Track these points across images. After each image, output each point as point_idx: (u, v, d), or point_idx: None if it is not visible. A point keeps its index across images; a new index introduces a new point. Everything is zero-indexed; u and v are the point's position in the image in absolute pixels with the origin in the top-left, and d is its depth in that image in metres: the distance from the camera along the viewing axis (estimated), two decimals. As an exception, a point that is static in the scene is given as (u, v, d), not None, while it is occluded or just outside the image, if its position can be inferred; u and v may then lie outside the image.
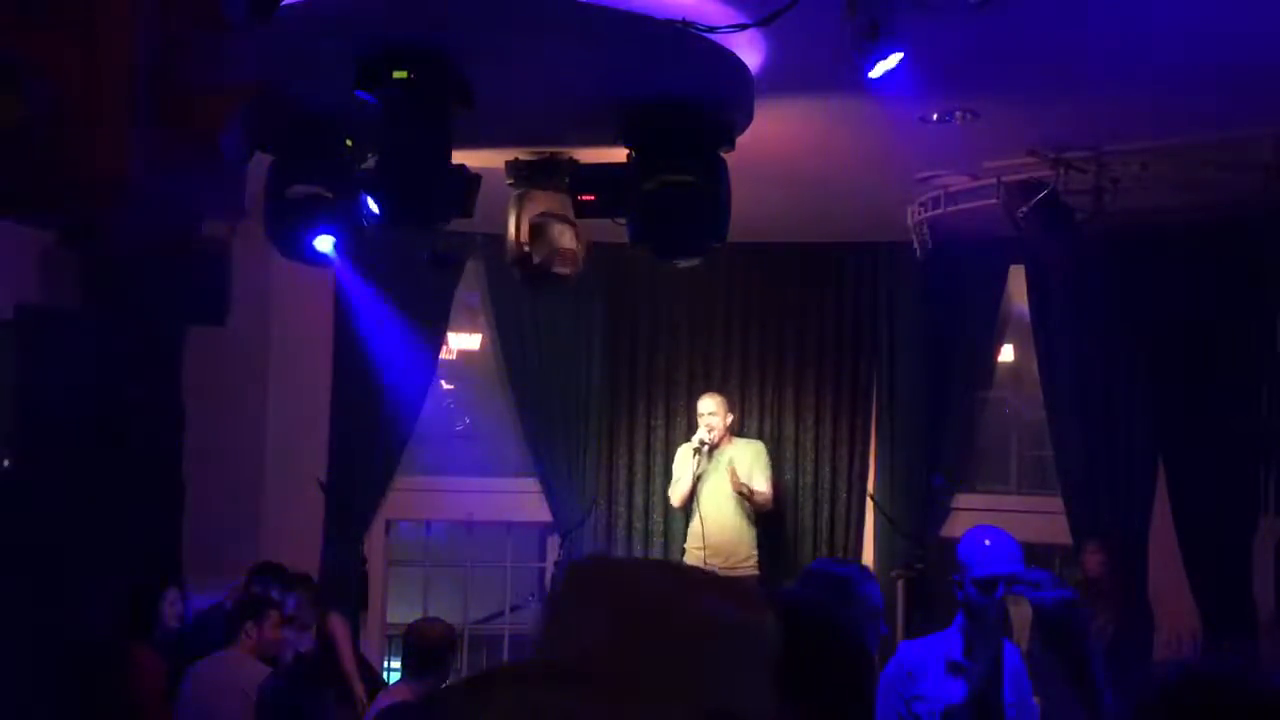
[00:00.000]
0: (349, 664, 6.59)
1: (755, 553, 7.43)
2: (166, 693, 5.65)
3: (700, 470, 7.35)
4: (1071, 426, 7.26)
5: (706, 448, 7.32)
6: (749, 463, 7.49)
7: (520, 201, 5.29)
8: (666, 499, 7.85)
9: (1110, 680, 2.59)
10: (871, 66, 3.76)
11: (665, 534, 8.00)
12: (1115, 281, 6.92)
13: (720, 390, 7.77)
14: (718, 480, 7.44)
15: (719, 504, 7.40)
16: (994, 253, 7.20)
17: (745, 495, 7.36)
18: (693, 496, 7.40)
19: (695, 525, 7.39)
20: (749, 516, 7.47)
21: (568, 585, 1.16)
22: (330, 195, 4.72)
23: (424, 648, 4.87)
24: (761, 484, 7.46)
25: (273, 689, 4.15)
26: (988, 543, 3.50)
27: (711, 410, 7.43)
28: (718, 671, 1.08)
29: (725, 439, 7.48)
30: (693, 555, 7.35)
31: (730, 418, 7.53)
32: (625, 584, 1.12)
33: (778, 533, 7.94)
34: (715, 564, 7.11)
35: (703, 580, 1.16)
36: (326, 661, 6.50)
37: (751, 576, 7.25)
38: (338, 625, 6.69)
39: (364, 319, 7.40)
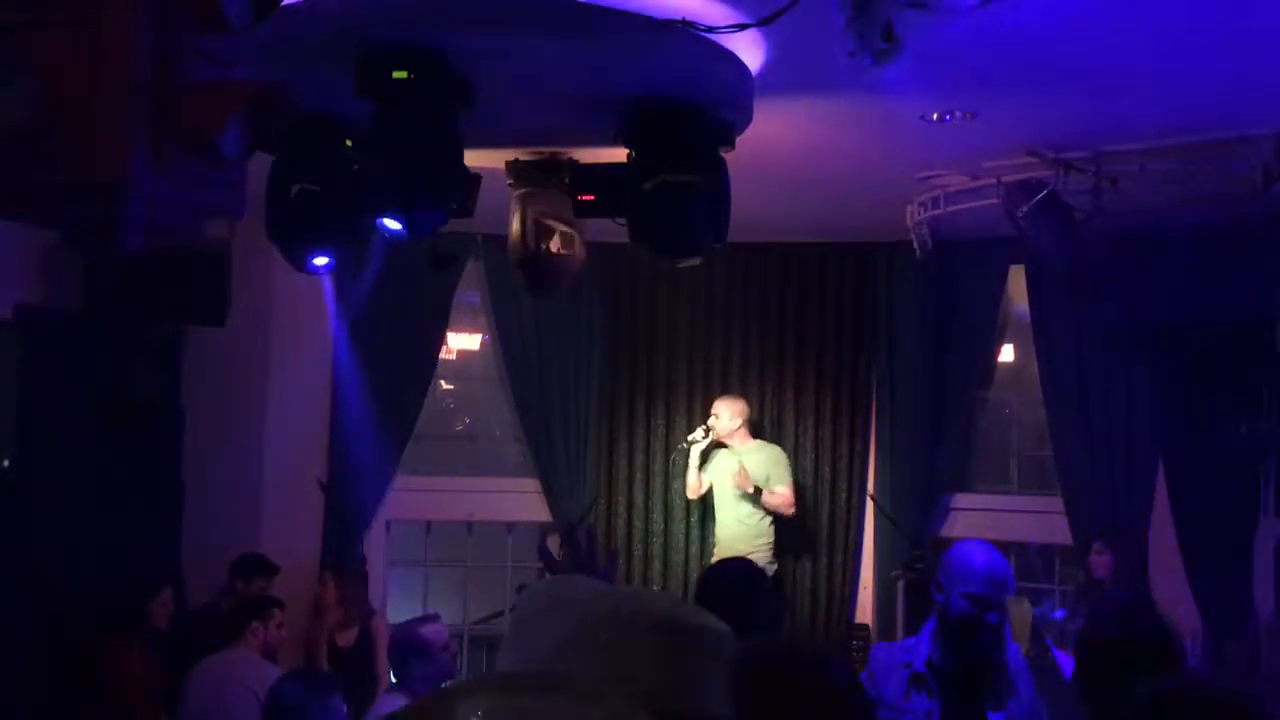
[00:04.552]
0: (382, 666, 6.65)
1: (770, 553, 7.56)
2: (158, 692, 5.65)
3: (698, 463, 7.71)
4: (1071, 426, 7.26)
5: (691, 444, 7.68)
6: (766, 466, 7.67)
7: (521, 201, 5.29)
8: (666, 499, 7.99)
9: None
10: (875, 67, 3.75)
11: (665, 534, 8.00)
12: (1115, 281, 6.92)
13: (725, 391, 7.82)
14: (725, 481, 7.66)
15: (724, 506, 7.66)
16: (994, 253, 7.21)
17: (752, 495, 7.56)
18: (710, 494, 7.77)
19: (717, 524, 7.71)
20: (755, 518, 7.59)
21: (528, 602, 1.22)
22: (330, 196, 4.72)
23: (409, 648, 4.87)
24: (780, 487, 7.64)
25: (281, 689, 4.16)
26: (984, 560, 3.34)
27: (715, 412, 7.71)
28: (670, 676, 1.14)
29: (737, 440, 7.67)
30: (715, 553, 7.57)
31: (739, 420, 7.68)
32: (580, 600, 1.17)
33: (777, 533, 7.95)
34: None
35: (650, 595, 1.23)
36: (363, 660, 6.57)
37: None
38: (380, 626, 6.77)
39: (364, 319, 7.41)
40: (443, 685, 1.20)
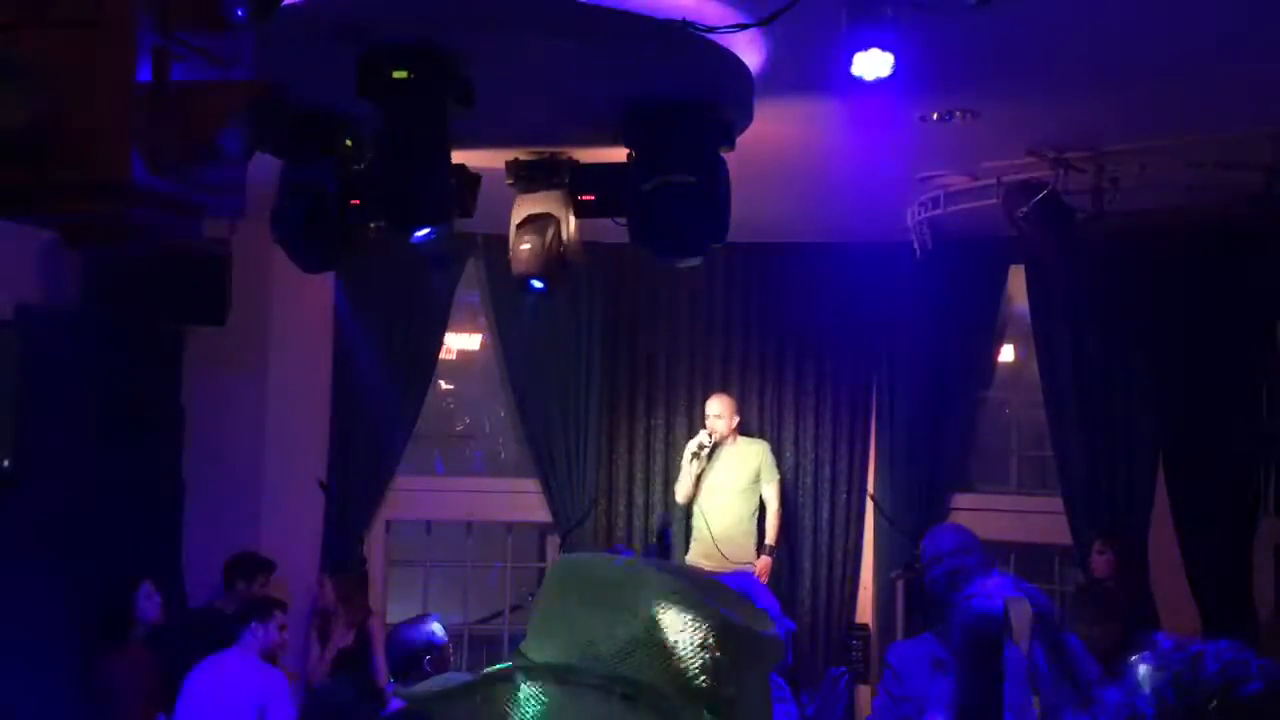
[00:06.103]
0: (381, 666, 6.67)
1: (758, 549, 7.54)
2: (156, 692, 5.65)
3: (700, 470, 7.50)
4: (1071, 426, 7.25)
5: (705, 450, 7.48)
6: (755, 463, 7.60)
7: (520, 201, 5.29)
8: (666, 499, 7.92)
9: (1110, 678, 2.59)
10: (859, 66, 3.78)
11: (665, 534, 8.00)
12: (1115, 281, 6.92)
13: (722, 390, 7.80)
14: (720, 478, 7.56)
15: (721, 502, 7.54)
16: (994, 253, 7.20)
17: (743, 493, 7.52)
18: (695, 494, 7.57)
19: (699, 523, 7.51)
20: (753, 514, 7.58)
21: (546, 584, 1.20)
22: (331, 196, 4.72)
23: (423, 647, 4.87)
24: (770, 488, 7.59)
25: (321, 690, 4.16)
26: (945, 533, 3.75)
27: (718, 413, 7.57)
28: (741, 693, 1.13)
29: (730, 439, 7.60)
30: (697, 553, 7.43)
31: (736, 419, 7.63)
32: (643, 601, 1.14)
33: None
34: (719, 562, 7.14)
35: (718, 590, 1.19)
36: (362, 661, 6.59)
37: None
38: (377, 627, 6.78)
39: (364, 320, 7.42)
40: (496, 666, 1.17)
